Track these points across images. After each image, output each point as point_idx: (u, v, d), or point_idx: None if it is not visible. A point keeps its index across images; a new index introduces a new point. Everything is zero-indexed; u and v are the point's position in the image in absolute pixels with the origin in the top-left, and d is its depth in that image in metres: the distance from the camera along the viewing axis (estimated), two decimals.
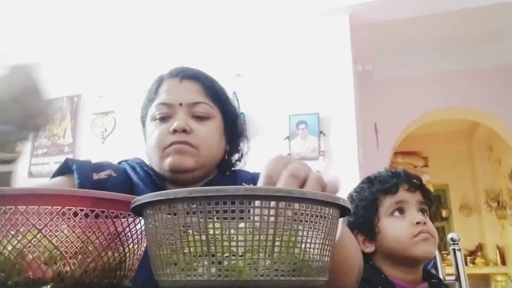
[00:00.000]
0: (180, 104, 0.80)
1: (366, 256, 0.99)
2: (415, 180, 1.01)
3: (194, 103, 0.81)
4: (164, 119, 0.80)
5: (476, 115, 4.01)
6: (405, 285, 0.95)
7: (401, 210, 0.98)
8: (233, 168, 0.91)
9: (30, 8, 3.17)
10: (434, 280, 0.99)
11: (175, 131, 0.77)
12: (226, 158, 0.88)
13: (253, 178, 0.87)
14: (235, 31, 3.10)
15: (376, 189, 1.00)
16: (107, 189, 0.75)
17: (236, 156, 0.91)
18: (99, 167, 0.81)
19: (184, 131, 0.77)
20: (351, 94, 2.77)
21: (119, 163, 0.88)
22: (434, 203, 1.06)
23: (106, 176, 0.79)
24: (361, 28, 3.03)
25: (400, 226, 0.96)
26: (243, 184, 0.84)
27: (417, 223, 0.95)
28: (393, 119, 3.74)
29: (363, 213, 0.99)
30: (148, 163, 0.85)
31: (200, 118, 0.81)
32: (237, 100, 2.76)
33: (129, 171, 0.83)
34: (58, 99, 3.46)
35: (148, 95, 0.87)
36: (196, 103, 0.81)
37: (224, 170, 0.89)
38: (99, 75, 3.44)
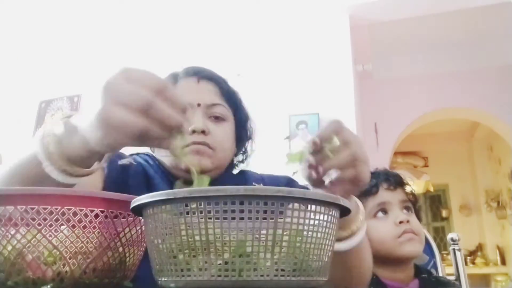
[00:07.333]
0: (199, 105, 0.79)
1: None
2: (394, 178, 1.02)
3: (212, 104, 0.81)
4: None
5: (476, 115, 4.00)
6: (396, 284, 0.95)
7: (384, 211, 0.99)
8: (240, 168, 0.92)
9: (31, 8, 3.17)
10: (424, 275, 0.99)
11: (193, 131, 0.76)
12: (232, 159, 0.88)
13: (262, 179, 0.87)
14: (235, 31, 3.09)
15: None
16: (129, 174, 0.78)
17: (240, 157, 0.91)
18: (120, 154, 0.82)
19: (203, 132, 0.77)
20: (351, 94, 2.77)
21: (130, 155, 0.88)
22: (418, 200, 1.06)
23: (128, 163, 0.80)
24: (361, 28, 3.03)
25: (383, 227, 0.96)
26: (253, 183, 0.85)
27: (400, 222, 0.96)
28: (393, 119, 3.74)
29: None
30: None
31: (216, 119, 0.81)
32: None
33: (144, 163, 0.84)
34: (58, 99, 3.45)
35: None
36: (214, 105, 0.81)
37: (228, 170, 0.89)
38: (99, 75, 3.43)
